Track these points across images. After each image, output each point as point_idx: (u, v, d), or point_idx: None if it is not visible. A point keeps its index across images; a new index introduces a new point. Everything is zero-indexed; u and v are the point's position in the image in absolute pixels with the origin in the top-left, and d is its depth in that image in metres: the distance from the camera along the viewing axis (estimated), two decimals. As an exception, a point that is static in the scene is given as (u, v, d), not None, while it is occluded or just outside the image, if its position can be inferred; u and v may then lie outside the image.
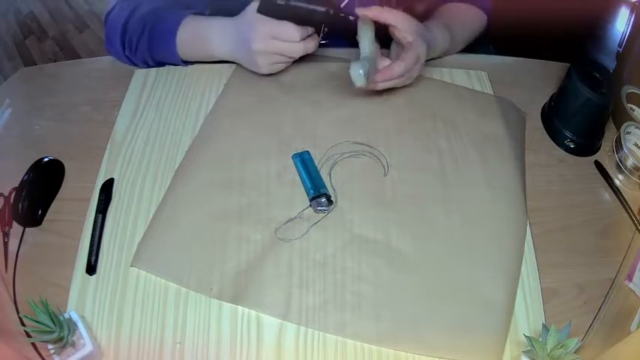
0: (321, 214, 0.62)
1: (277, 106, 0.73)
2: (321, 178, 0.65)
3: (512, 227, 0.63)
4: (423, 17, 0.78)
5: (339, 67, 0.78)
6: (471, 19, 0.86)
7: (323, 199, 0.62)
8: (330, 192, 0.63)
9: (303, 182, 0.64)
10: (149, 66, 0.78)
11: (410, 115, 0.73)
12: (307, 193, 0.63)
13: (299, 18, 0.67)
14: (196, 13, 0.76)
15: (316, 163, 0.66)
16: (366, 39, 0.67)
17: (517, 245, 0.62)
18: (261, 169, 0.65)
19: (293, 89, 0.75)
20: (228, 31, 0.72)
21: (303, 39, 0.68)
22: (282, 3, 0.67)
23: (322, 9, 0.66)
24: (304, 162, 0.66)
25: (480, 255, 0.60)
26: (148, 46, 0.75)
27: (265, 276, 0.57)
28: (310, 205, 0.62)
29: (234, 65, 0.77)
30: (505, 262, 0.60)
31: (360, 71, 0.65)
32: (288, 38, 0.67)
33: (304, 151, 0.67)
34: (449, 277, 0.58)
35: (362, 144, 0.69)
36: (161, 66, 0.79)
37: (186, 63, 0.78)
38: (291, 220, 0.61)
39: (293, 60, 0.72)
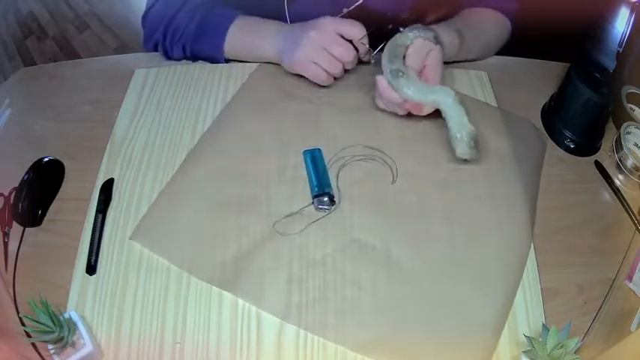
0: (322, 213, 0.62)
1: (296, 104, 0.73)
2: (327, 177, 0.64)
3: (514, 249, 0.61)
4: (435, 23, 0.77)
5: (364, 70, 0.77)
6: (490, 26, 0.83)
7: (325, 198, 0.62)
8: (335, 192, 0.63)
9: (310, 178, 0.64)
10: (185, 57, 0.79)
11: (425, 125, 0.72)
12: (311, 190, 0.63)
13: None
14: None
15: (326, 162, 0.66)
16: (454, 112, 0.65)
17: (517, 267, 0.60)
18: (272, 163, 0.66)
19: (315, 89, 0.74)
20: (286, 31, 0.73)
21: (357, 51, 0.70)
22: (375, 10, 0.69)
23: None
24: (314, 159, 0.66)
25: (476, 274, 0.59)
26: (195, 36, 0.76)
27: (263, 268, 0.57)
28: (312, 203, 0.62)
29: (238, 64, 0.78)
30: (503, 284, 0.58)
31: (469, 147, 0.64)
32: (351, 34, 0.68)
33: (316, 149, 0.67)
34: (443, 293, 0.57)
35: (374, 148, 0.68)
36: (195, 60, 0.80)
37: (226, 61, 0.79)
38: (291, 215, 0.61)
39: (330, 77, 0.72)
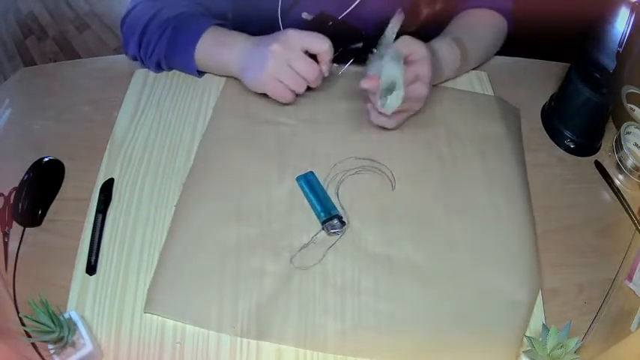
0: (335, 237, 0.60)
1: (271, 128, 0.70)
2: (329, 199, 0.62)
3: (523, 223, 0.63)
4: (430, 22, 0.76)
5: (330, 79, 0.74)
6: (489, 33, 0.82)
7: (335, 221, 0.60)
8: (340, 212, 0.62)
9: (312, 205, 0.62)
10: (161, 70, 0.78)
11: (409, 123, 0.71)
12: (318, 217, 0.61)
13: (337, 39, 0.66)
14: (218, 18, 0.75)
15: (321, 182, 0.64)
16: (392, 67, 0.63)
17: (530, 241, 0.62)
18: (266, 196, 0.63)
19: (285, 109, 0.72)
20: (250, 45, 0.70)
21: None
22: (338, 20, 0.67)
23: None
24: (310, 183, 0.64)
25: (498, 257, 0.60)
26: (166, 51, 0.74)
27: (288, 307, 0.55)
28: (323, 229, 0.60)
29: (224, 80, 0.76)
30: (523, 259, 0.60)
31: (383, 99, 0.62)
32: (317, 49, 0.66)
33: (308, 172, 0.65)
34: (473, 283, 0.58)
35: (365, 159, 0.67)
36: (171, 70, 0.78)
37: (200, 74, 0.77)
38: (305, 246, 0.59)
39: (293, 94, 0.69)
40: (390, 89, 0.62)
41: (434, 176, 0.67)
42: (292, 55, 0.66)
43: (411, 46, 0.65)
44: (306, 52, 0.66)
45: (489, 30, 0.82)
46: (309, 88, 0.70)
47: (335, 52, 0.67)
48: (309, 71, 0.67)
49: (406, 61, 0.64)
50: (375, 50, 0.67)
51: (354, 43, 0.68)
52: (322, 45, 0.66)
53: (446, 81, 0.78)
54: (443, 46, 0.73)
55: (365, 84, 0.65)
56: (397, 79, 0.62)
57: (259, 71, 0.67)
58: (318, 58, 0.67)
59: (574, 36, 0.85)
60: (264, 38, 0.69)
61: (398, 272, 0.58)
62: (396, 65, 0.62)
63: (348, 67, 0.72)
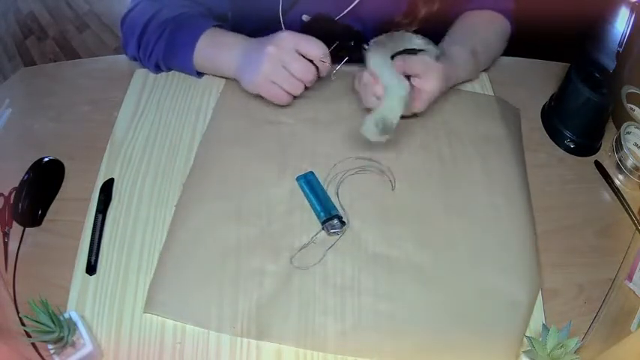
0: (335, 237, 0.60)
1: (271, 128, 0.70)
2: (329, 199, 0.63)
3: (523, 223, 0.63)
4: (430, 22, 0.76)
5: (330, 80, 0.73)
6: (498, 40, 0.81)
7: (335, 221, 0.60)
8: (340, 212, 0.62)
9: (312, 205, 0.62)
10: (160, 70, 0.78)
11: (409, 123, 0.71)
12: (318, 217, 0.61)
13: (333, 39, 0.67)
14: (218, 19, 0.75)
15: (322, 182, 0.64)
16: (386, 74, 0.63)
17: (530, 241, 0.62)
18: (266, 196, 0.63)
19: (285, 109, 0.71)
20: (245, 46, 0.70)
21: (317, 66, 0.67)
22: (335, 20, 0.68)
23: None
24: (310, 183, 0.64)
25: (498, 258, 0.60)
26: (165, 52, 0.74)
27: (288, 307, 0.55)
28: (323, 229, 0.60)
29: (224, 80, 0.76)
30: (523, 260, 0.60)
31: (374, 127, 0.62)
32: (311, 53, 0.66)
33: (308, 172, 0.65)
34: (472, 284, 0.58)
35: (365, 159, 0.67)
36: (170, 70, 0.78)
37: (199, 74, 0.76)
38: (305, 246, 0.59)
39: (290, 97, 0.69)
40: (385, 123, 0.62)
41: (434, 176, 0.67)
42: (287, 57, 0.66)
43: (422, 68, 0.66)
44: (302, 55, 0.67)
45: (498, 37, 0.82)
46: (307, 89, 0.70)
47: (330, 48, 0.67)
48: (305, 72, 0.67)
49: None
50: (366, 46, 0.67)
51: (347, 41, 0.68)
52: (318, 50, 0.66)
53: None
54: (463, 55, 0.73)
55: (367, 87, 0.66)
56: (395, 122, 0.63)
57: (254, 73, 0.67)
58: (314, 61, 0.67)
59: (574, 36, 0.85)
60: (260, 40, 0.69)
61: (398, 272, 0.58)
62: (398, 109, 0.63)
63: (341, 67, 0.71)
